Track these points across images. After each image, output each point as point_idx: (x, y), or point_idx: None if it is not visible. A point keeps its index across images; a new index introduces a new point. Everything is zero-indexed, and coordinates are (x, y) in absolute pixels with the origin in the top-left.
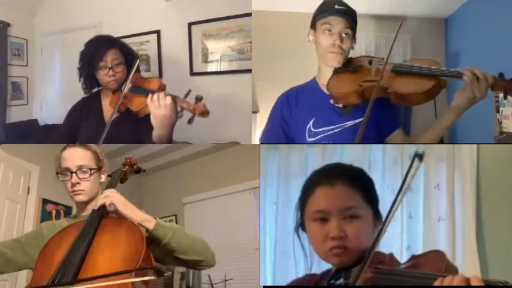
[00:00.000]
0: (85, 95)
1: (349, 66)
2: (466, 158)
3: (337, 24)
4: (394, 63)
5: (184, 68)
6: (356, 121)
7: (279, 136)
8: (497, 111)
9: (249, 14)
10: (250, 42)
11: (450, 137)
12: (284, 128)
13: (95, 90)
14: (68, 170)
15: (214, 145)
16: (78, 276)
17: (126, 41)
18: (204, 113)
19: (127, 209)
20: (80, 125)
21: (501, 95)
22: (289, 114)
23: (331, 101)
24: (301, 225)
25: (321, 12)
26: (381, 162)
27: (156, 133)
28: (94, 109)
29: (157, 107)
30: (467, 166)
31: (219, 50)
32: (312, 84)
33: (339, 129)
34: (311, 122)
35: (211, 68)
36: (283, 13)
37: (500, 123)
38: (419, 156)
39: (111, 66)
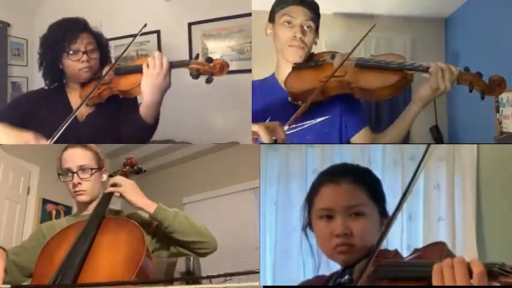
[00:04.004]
0: (45, 87)
1: (310, 61)
2: (466, 158)
3: (298, 15)
4: (357, 58)
5: (184, 68)
6: (317, 120)
7: None
8: (497, 111)
9: (249, 14)
10: (250, 42)
11: (450, 137)
12: None
13: (56, 84)
14: (69, 170)
15: (214, 145)
16: (79, 277)
17: (127, 41)
18: (224, 66)
19: (130, 194)
20: (31, 122)
21: (501, 96)
22: None
23: (289, 99)
24: (309, 224)
25: (281, 3)
26: (381, 163)
27: (145, 101)
28: (58, 106)
29: (153, 66)
30: (467, 166)
31: (219, 50)
32: (271, 80)
33: (296, 130)
34: (267, 121)
35: None
36: None
37: (500, 123)
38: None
39: (86, 50)
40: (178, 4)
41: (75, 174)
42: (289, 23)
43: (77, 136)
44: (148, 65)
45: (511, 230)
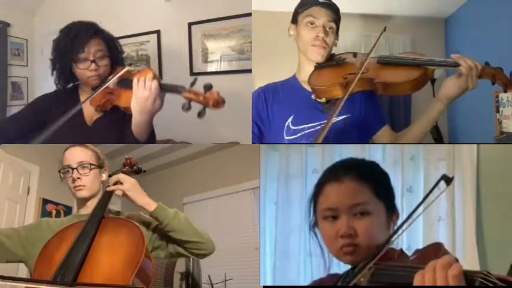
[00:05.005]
0: (57, 89)
1: (332, 61)
2: (466, 158)
3: (321, 16)
4: (380, 55)
5: (184, 68)
6: (338, 118)
7: (253, 132)
8: (497, 111)
9: (249, 14)
10: (250, 42)
11: (450, 137)
12: (258, 124)
13: (70, 85)
14: (69, 167)
15: (214, 145)
16: (78, 277)
17: (126, 41)
18: (219, 103)
19: (132, 192)
20: (47, 122)
21: (501, 95)
22: (264, 110)
23: (313, 96)
24: (316, 223)
25: (304, 5)
26: (381, 163)
27: (134, 120)
28: (70, 107)
29: (142, 89)
30: (467, 166)
31: (219, 50)
32: (292, 81)
33: (319, 127)
34: (290, 119)
35: (211, 68)
36: (283, 13)
37: (500, 123)
38: (447, 180)
39: (94, 59)
40: (178, 4)
41: (75, 170)
42: (312, 23)
43: (85, 138)
44: (137, 83)
45: (511, 230)
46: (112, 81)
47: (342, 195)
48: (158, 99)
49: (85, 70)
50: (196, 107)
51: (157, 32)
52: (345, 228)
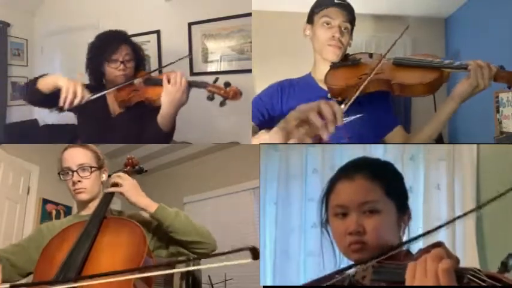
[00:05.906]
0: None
1: (347, 61)
2: (466, 158)
3: (337, 17)
4: (395, 57)
5: (184, 68)
6: (352, 117)
7: (262, 115)
8: (497, 111)
9: (249, 14)
10: (250, 42)
11: (450, 137)
12: (268, 109)
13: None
14: (69, 169)
15: (214, 145)
16: None
17: None
18: (237, 94)
19: (132, 193)
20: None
21: (501, 95)
22: (278, 101)
23: (329, 95)
24: (327, 220)
25: (320, 6)
26: None
27: (162, 111)
28: (98, 102)
29: (173, 84)
30: (467, 166)
31: (219, 50)
32: (307, 79)
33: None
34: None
35: (211, 68)
36: (283, 13)
37: (500, 123)
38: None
39: (123, 60)
40: (178, 4)
41: (75, 173)
42: (327, 23)
43: (108, 128)
44: (169, 80)
45: (511, 230)
46: (139, 79)
47: (352, 193)
48: (186, 93)
49: (114, 69)
50: (218, 98)
51: (157, 32)
52: (353, 226)
